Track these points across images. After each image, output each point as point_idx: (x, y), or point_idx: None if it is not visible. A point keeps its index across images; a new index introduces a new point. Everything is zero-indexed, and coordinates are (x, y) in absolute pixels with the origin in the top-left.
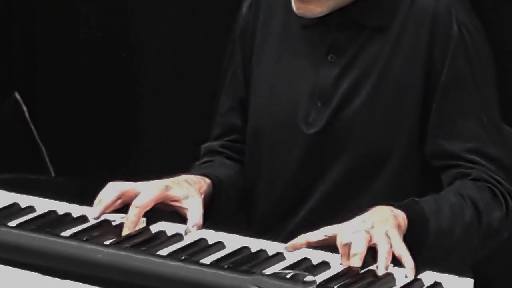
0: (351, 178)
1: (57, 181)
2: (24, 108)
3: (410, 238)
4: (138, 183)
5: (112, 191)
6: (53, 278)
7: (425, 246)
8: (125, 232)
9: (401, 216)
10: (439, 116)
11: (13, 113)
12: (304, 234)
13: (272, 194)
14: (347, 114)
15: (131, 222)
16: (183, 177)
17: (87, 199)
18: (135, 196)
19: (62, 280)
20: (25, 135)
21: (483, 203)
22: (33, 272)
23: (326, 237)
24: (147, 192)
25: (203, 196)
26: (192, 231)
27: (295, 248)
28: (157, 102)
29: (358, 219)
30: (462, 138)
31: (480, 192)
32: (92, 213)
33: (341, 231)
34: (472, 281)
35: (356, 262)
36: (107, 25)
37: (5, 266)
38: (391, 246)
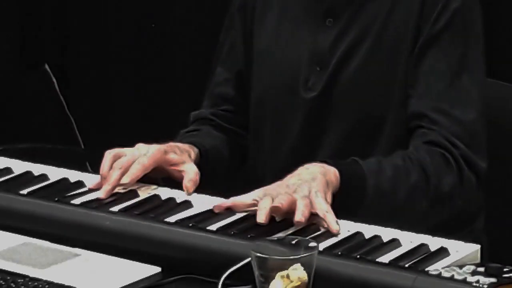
0: (349, 142)
1: (86, 153)
2: (54, 79)
3: (345, 194)
4: (135, 147)
5: (117, 173)
6: (62, 245)
7: (363, 204)
8: (124, 180)
9: (332, 172)
10: (414, 76)
11: (43, 85)
12: (236, 196)
13: (275, 161)
14: (343, 77)
15: (131, 174)
16: (173, 144)
17: None
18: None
19: (71, 247)
20: (55, 106)
21: (432, 166)
22: (42, 240)
23: (254, 201)
24: (149, 154)
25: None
26: (190, 185)
27: (220, 209)
28: (185, 74)
29: (284, 182)
30: (430, 98)
31: (431, 156)
32: (102, 193)
33: (265, 196)
34: (478, 246)
35: (260, 217)
36: None
37: (15, 234)
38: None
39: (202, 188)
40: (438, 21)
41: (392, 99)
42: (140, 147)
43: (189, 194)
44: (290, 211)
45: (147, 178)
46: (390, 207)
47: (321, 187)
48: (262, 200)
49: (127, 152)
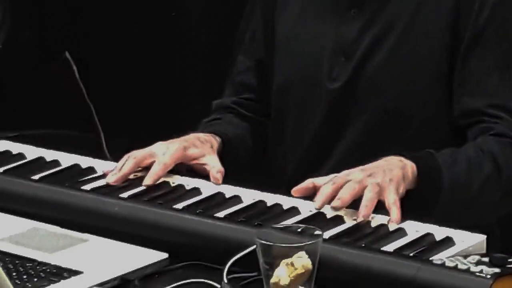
0: (372, 134)
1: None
2: (74, 67)
3: (422, 189)
4: (154, 147)
5: (131, 162)
6: (71, 230)
7: (439, 198)
8: (147, 182)
9: (410, 167)
10: (463, 74)
11: (63, 73)
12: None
13: (297, 151)
14: (369, 68)
15: (154, 174)
16: (194, 135)
17: None
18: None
19: (80, 232)
20: (75, 94)
21: (504, 157)
22: (51, 225)
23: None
24: (169, 152)
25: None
26: (219, 177)
27: (301, 193)
28: (205, 62)
29: (359, 168)
30: (485, 95)
31: (501, 146)
32: (110, 179)
33: (338, 177)
34: (484, 236)
35: (336, 203)
36: None
37: (25, 218)
38: (380, 193)
39: (225, 177)
40: (479, 18)
41: (419, 95)
42: (159, 146)
43: (218, 184)
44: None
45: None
46: (464, 200)
47: (396, 178)
48: (325, 186)
49: (148, 153)
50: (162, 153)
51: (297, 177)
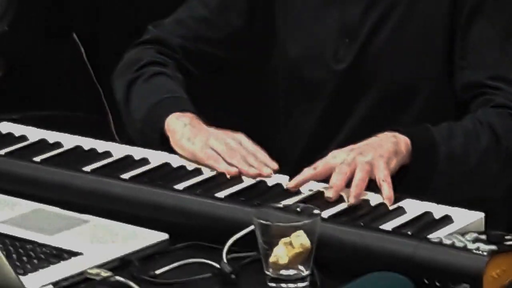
0: (379, 112)
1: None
2: (82, 49)
3: (417, 163)
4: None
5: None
6: (72, 212)
7: (436, 171)
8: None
9: (403, 141)
10: (464, 47)
11: (71, 55)
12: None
13: (305, 130)
14: (374, 48)
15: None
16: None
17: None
18: None
19: (79, 213)
20: (83, 76)
21: (503, 128)
22: (52, 206)
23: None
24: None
25: None
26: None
27: (297, 188)
28: None
29: (349, 147)
30: (486, 67)
31: (500, 117)
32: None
33: (327, 163)
34: (482, 214)
35: (329, 193)
36: None
37: (26, 200)
38: (371, 174)
39: None
40: None
41: (425, 70)
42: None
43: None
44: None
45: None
46: (462, 172)
47: (386, 153)
48: (334, 177)
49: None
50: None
51: (305, 155)
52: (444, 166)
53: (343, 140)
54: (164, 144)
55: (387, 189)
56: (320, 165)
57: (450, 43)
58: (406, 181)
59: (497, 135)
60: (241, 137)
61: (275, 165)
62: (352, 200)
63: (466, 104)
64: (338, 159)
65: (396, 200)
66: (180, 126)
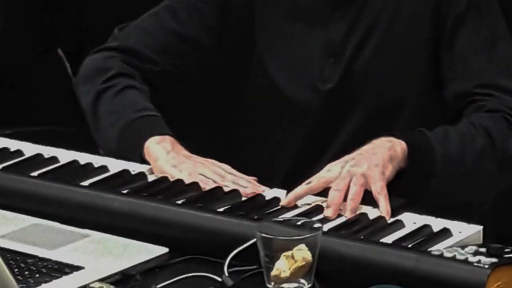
0: (366, 130)
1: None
2: (67, 64)
3: (413, 165)
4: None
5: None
6: (71, 227)
7: (432, 174)
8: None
9: (398, 145)
10: (450, 58)
11: (56, 70)
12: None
13: (288, 150)
14: (359, 66)
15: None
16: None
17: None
18: None
19: (79, 228)
20: (68, 91)
21: (497, 130)
22: (50, 221)
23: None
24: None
25: None
26: None
27: (291, 205)
28: None
29: (343, 159)
30: (474, 75)
31: (494, 120)
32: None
33: (322, 177)
34: (481, 227)
35: (328, 212)
36: None
37: (24, 215)
38: (367, 185)
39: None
40: (460, 1)
41: (411, 84)
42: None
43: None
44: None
45: None
46: (459, 174)
47: (381, 161)
48: (331, 197)
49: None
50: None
51: (291, 173)
52: (441, 168)
53: (331, 158)
54: (144, 163)
55: (383, 203)
56: (315, 180)
57: (434, 56)
58: (402, 184)
59: (492, 137)
60: (226, 166)
61: (263, 189)
62: (348, 215)
63: (457, 114)
64: (333, 173)
65: (394, 213)
66: (163, 152)
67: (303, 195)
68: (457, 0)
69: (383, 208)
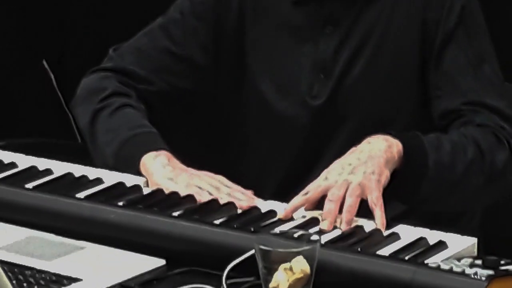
0: (356, 143)
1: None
2: (52, 76)
3: (407, 169)
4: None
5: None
6: (68, 238)
7: (425, 178)
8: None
9: (395, 145)
10: (438, 76)
11: (41, 81)
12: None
13: (278, 165)
14: (348, 83)
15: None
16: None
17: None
18: None
19: (76, 240)
20: (53, 102)
21: (486, 143)
22: (47, 233)
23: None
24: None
25: None
26: None
27: (288, 216)
28: None
29: (339, 165)
30: (461, 93)
31: (484, 134)
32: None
33: (319, 186)
34: (475, 239)
35: (324, 225)
36: None
37: (20, 227)
38: (363, 195)
39: None
40: (449, 21)
41: (399, 102)
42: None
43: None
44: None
45: None
46: (449, 181)
47: (377, 168)
48: (326, 209)
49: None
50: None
51: (281, 188)
52: (433, 173)
53: (320, 174)
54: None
55: (379, 215)
56: (311, 190)
57: (422, 74)
58: (394, 185)
59: (482, 150)
60: (222, 178)
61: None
62: (343, 227)
63: (444, 131)
64: (329, 181)
65: (390, 226)
66: (159, 167)
67: (300, 206)
68: (446, 18)
69: (379, 220)
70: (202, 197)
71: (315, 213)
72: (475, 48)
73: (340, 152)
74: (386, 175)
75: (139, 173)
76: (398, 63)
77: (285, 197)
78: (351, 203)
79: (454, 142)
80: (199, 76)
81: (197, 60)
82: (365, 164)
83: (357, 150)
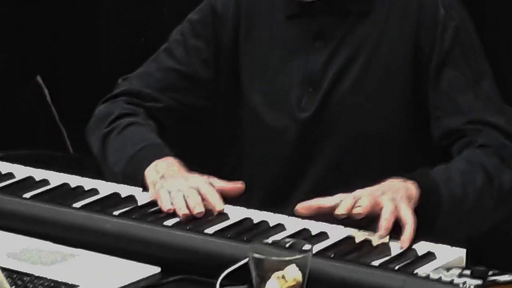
0: (341, 160)
1: (75, 157)
2: (46, 91)
3: (423, 207)
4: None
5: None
6: (65, 246)
7: (440, 214)
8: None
9: (412, 187)
10: (436, 97)
11: (35, 96)
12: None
13: (266, 176)
14: (336, 97)
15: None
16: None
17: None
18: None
19: (73, 248)
20: (47, 117)
21: (492, 166)
22: (45, 241)
23: (337, 203)
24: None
25: None
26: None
27: (304, 210)
28: None
29: (367, 189)
30: (462, 113)
31: (488, 156)
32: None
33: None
34: (464, 251)
35: (357, 210)
36: (127, 10)
37: (18, 235)
38: (396, 210)
39: None
40: (444, 42)
41: (385, 119)
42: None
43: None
44: (373, 214)
45: None
46: (463, 211)
47: (405, 195)
48: (345, 199)
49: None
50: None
51: (268, 199)
52: (447, 207)
53: (306, 187)
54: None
55: (410, 231)
56: (342, 203)
57: (414, 94)
58: None
59: (489, 175)
60: (200, 179)
61: (221, 206)
62: (380, 240)
63: (444, 150)
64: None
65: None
66: (153, 173)
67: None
68: (441, 39)
69: (407, 236)
70: (160, 203)
71: (305, 224)
72: (472, 67)
73: (327, 167)
74: (412, 205)
75: (144, 187)
76: (387, 79)
77: (272, 206)
78: (391, 210)
79: (463, 171)
80: (203, 91)
81: (200, 75)
82: (393, 192)
83: (378, 185)
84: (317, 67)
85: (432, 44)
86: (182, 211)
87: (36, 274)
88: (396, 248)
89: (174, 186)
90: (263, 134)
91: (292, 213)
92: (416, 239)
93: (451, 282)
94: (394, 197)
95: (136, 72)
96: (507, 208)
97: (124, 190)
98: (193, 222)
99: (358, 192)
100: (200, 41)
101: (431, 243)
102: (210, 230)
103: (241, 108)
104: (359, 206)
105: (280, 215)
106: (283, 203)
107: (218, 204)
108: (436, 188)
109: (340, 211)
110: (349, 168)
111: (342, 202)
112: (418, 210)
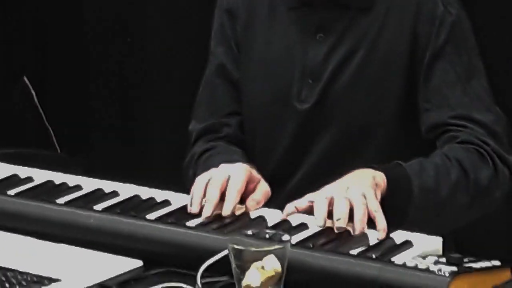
0: (338, 149)
1: (62, 156)
2: (33, 92)
3: (392, 197)
4: (222, 169)
5: (216, 191)
6: (48, 242)
7: (410, 205)
8: (226, 212)
9: (380, 176)
10: (427, 90)
11: (22, 97)
12: (291, 202)
13: (266, 167)
14: (335, 89)
15: (232, 203)
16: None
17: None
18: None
19: (57, 243)
20: (34, 118)
21: (469, 162)
22: (29, 237)
23: (310, 203)
24: (238, 176)
25: None
26: (251, 205)
27: (288, 215)
28: (162, 87)
29: (335, 183)
30: (449, 107)
31: (466, 152)
32: (205, 212)
33: (318, 195)
34: (440, 239)
35: (340, 223)
36: (113, 10)
37: (3, 232)
38: (367, 207)
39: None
40: (439, 36)
41: (383, 112)
42: (228, 169)
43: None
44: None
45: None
46: (435, 204)
47: (371, 185)
48: (318, 203)
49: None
50: (232, 173)
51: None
52: (418, 198)
53: (302, 177)
54: None
55: (381, 220)
56: (311, 199)
57: (408, 86)
58: (383, 211)
59: (465, 170)
60: (233, 170)
61: (228, 211)
62: (357, 233)
63: (430, 143)
64: (333, 194)
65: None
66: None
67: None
68: (436, 33)
69: (382, 225)
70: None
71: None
72: (464, 63)
73: (321, 158)
74: (378, 193)
75: None
76: (386, 72)
77: (271, 197)
78: (363, 211)
79: (437, 165)
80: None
81: (235, 75)
82: (359, 184)
83: (345, 177)
84: (317, 59)
85: (428, 38)
86: (193, 208)
87: (20, 269)
88: (374, 237)
89: (204, 177)
90: (265, 125)
91: (286, 202)
92: (390, 228)
93: (427, 269)
94: (361, 188)
95: (200, 108)
96: (484, 205)
97: (107, 186)
98: (174, 216)
99: (328, 191)
100: (228, 45)
101: (409, 232)
102: (191, 223)
103: (245, 99)
104: (339, 218)
105: (261, 208)
106: (278, 193)
107: (228, 206)
108: (406, 178)
109: (320, 223)
110: (343, 159)
111: (316, 208)
112: (388, 199)
